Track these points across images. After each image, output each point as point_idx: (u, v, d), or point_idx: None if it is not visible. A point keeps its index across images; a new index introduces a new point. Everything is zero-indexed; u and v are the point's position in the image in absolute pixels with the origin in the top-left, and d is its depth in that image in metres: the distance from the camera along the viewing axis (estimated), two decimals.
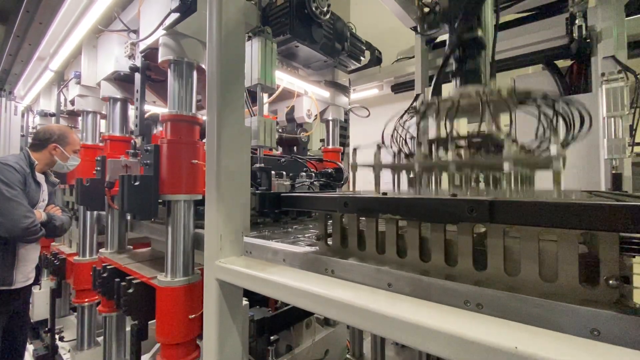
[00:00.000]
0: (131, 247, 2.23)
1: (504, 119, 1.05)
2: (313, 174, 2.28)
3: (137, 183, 1.43)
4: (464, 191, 0.90)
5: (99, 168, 2.02)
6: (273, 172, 1.80)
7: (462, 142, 0.92)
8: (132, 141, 2.24)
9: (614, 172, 1.63)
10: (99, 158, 2.03)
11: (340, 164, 2.59)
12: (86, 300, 2.51)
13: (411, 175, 0.99)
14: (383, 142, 1.03)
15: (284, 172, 2.11)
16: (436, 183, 0.96)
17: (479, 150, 0.89)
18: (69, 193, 2.96)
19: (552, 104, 0.88)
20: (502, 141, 0.80)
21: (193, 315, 1.46)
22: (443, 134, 0.93)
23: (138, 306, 1.58)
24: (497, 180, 0.92)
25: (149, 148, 1.49)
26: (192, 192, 1.52)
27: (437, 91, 1.11)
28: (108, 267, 1.88)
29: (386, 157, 0.99)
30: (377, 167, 0.98)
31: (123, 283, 1.63)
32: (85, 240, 2.49)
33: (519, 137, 0.94)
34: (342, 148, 2.77)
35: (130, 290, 1.57)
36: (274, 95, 1.98)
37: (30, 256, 2.37)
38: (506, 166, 0.76)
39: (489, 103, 0.87)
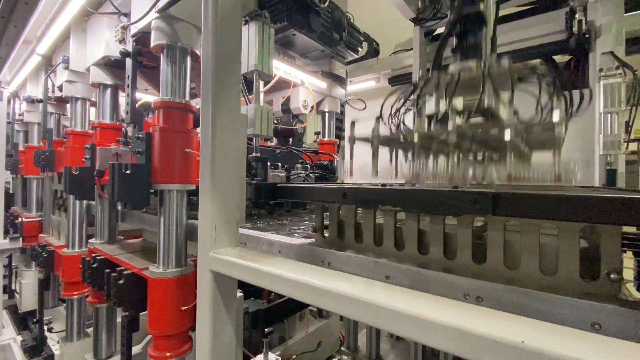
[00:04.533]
0: (122, 238, 2.19)
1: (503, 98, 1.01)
2: (308, 166, 2.26)
3: (128, 172, 1.39)
4: (463, 167, 0.86)
5: (88, 156, 1.96)
6: (268, 163, 1.77)
7: (461, 118, 0.88)
8: (123, 129, 2.18)
9: (608, 168, 1.64)
10: (88, 146, 1.97)
11: (336, 156, 2.57)
12: (75, 293, 2.46)
13: (409, 154, 0.95)
14: (382, 117, 0.98)
15: (279, 164, 2.08)
16: (435, 158, 0.91)
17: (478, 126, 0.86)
18: (57, 181, 2.89)
19: (553, 80, 0.85)
20: (503, 116, 0.77)
21: (186, 307, 1.44)
22: (442, 109, 0.88)
23: (129, 297, 1.56)
24: (496, 155, 0.88)
25: (140, 136, 1.45)
26: (185, 182, 1.48)
27: (436, 68, 1.07)
28: (98, 257, 1.84)
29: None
30: (375, 139, 0.92)
31: (114, 274, 1.60)
32: (74, 231, 2.42)
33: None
34: (337, 140, 2.75)
35: (121, 282, 1.54)
36: (271, 84, 1.94)
37: None
38: (507, 134, 0.73)
39: (490, 76, 0.85)
